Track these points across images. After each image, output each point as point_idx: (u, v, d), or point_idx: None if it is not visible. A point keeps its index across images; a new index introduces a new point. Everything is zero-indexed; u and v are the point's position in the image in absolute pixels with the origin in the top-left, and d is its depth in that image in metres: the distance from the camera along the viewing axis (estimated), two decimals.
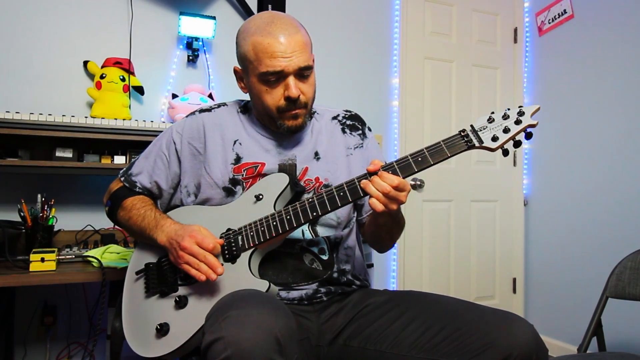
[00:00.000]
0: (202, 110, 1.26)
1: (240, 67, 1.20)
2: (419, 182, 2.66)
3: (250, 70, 1.14)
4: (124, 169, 1.30)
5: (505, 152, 0.99)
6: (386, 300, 1.14)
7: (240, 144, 1.20)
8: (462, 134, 1.00)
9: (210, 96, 2.18)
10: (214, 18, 2.27)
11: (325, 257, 1.18)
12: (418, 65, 2.80)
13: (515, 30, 3.00)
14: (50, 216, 1.79)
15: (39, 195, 1.79)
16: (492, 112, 1.01)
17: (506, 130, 0.98)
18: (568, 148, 2.62)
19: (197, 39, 2.29)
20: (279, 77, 1.10)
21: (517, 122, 0.98)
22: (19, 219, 1.79)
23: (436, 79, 2.85)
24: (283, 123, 1.14)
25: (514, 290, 2.95)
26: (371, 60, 2.74)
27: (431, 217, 2.81)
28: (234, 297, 0.90)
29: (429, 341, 1.01)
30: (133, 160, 1.31)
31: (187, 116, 1.27)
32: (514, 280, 2.95)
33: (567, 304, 2.59)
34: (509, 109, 1.00)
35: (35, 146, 1.92)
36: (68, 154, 1.88)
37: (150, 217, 1.16)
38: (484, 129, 0.99)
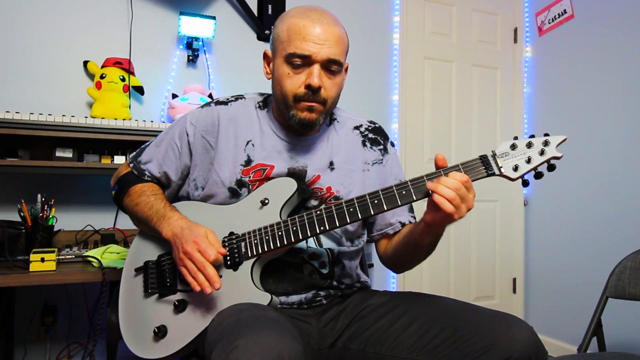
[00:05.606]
0: (218, 102, 1.22)
1: (270, 51, 1.16)
2: None
3: (279, 51, 1.10)
4: (134, 154, 1.27)
5: (525, 183, 0.95)
6: (386, 302, 1.13)
7: (252, 145, 1.16)
8: (483, 159, 0.96)
9: (210, 96, 2.18)
10: (214, 18, 2.26)
11: (325, 271, 1.16)
12: (418, 65, 2.80)
13: (515, 30, 2.99)
14: (50, 216, 1.79)
15: (39, 195, 1.79)
16: (516, 138, 0.96)
17: (529, 161, 0.94)
18: (568, 148, 2.60)
19: (197, 39, 2.29)
20: (305, 62, 1.06)
21: (542, 152, 0.94)
22: (19, 219, 1.79)
23: (436, 79, 2.84)
24: (295, 114, 1.09)
25: (514, 291, 2.95)
26: (371, 60, 2.74)
27: None
28: (239, 321, 0.88)
29: (428, 343, 1.00)
30: (143, 145, 1.27)
31: (202, 106, 1.23)
32: (514, 280, 2.95)
33: (567, 304, 2.59)
34: (533, 136, 0.96)
35: (35, 146, 1.92)
36: (68, 154, 1.88)
37: (159, 206, 1.13)
38: (505, 155, 0.95)
